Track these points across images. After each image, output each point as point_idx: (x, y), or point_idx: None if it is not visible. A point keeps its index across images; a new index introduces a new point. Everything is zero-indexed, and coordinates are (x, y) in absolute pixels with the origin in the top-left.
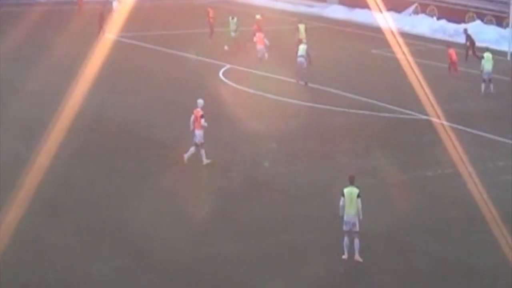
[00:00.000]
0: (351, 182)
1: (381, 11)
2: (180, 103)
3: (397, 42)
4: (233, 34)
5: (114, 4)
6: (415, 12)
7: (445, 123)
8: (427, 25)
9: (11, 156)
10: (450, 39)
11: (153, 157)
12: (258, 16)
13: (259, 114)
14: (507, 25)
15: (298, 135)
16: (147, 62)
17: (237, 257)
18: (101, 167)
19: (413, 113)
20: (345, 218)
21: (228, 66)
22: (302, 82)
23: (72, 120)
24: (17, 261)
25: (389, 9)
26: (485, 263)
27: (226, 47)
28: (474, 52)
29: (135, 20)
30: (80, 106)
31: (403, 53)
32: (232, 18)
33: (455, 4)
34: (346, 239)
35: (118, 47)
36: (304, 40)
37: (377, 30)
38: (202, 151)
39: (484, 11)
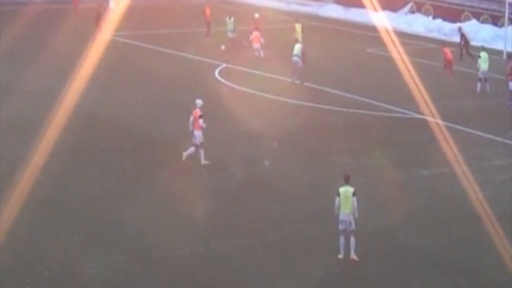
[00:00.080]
0: (347, 181)
1: (376, 10)
2: (175, 102)
3: (393, 41)
4: (230, 34)
5: (111, 3)
6: (411, 11)
7: (441, 122)
8: (422, 24)
9: (6, 155)
10: (446, 38)
11: (149, 156)
12: (256, 15)
13: (254, 114)
14: (502, 24)
15: (293, 134)
16: (142, 61)
17: (232, 255)
18: (96, 166)
19: (409, 112)
20: (340, 217)
21: (224, 65)
22: (297, 81)
23: (67, 119)
24: (12, 260)
25: (384, 8)
26: (480, 262)
27: (222, 47)
28: (467, 51)
29: (131, 19)
30: (75, 105)
31: (399, 52)
32: (229, 18)
33: (451, 3)
34: (341, 238)
35: (114, 46)
36: (300, 39)
37: (373, 29)
38: (201, 151)
39: (480, 10)
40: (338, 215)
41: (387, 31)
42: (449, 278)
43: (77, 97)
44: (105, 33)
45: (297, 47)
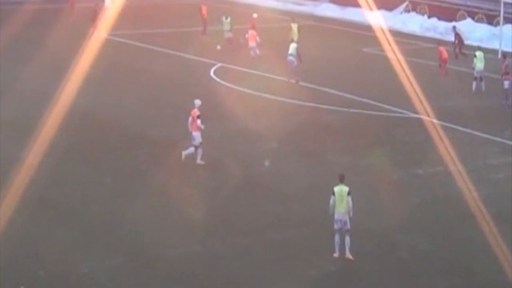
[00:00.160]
0: (341, 181)
1: (372, 10)
2: (171, 101)
3: (388, 40)
4: (226, 34)
5: (107, 2)
6: (406, 10)
7: (436, 121)
8: (418, 24)
9: (1, 155)
10: (441, 37)
11: (144, 156)
12: (255, 15)
13: (250, 113)
14: (497, 23)
15: (289, 134)
16: (138, 61)
17: (228, 255)
18: (91, 165)
19: (404, 111)
20: (335, 216)
21: (219, 64)
22: (293, 81)
23: (62, 118)
24: (7, 260)
25: (380, 7)
26: (475, 260)
27: (218, 47)
28: (460, 50)
29: (127, 18)
30: (71, 104)
31: (394, 51)
32: (226, 18)
33: (446, 2)
34: (337, 238)
35: (109, 45)
36: (295, 39)
37: (369, 28)
38: (199, 151)
39: (475, 9)
40: (333, 214)
41: (382, 30)
42: (444, 278)
43: (72, 97)
44: (101, 32)
45: (292, 47)
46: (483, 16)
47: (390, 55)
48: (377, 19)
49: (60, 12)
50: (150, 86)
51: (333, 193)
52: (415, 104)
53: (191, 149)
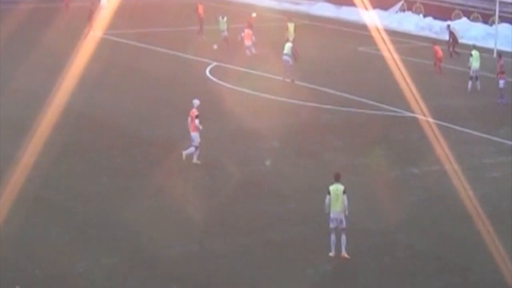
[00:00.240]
0: (337, 179)
1: (367, 9)
2: (166, 100)
3: (384, 39)
4: (223, 33)
5: (103, 1)
6: (402, 9)
7: (432, 120)
8: (413, 23)
9: None
10: (437, 36)
11: (140, 155)
12: (254, 15)
13: (246, 112)
14: (493, 23)
15: (285, 133)
16: (133, 60)
17: (225, 255)
18: (88, 165)
19: (400, 110)
20: (331, 215)
21: (215, 63)
22: (288, 80)
23: (58, 117)
24: (3, 259)
25: (375, 6)
26: (470, 259)
27: (215, 46)
28: (453, 49)
29: (123, 17)
30: (66, 104)
31: (390, 50)
32: (222, 18)
33: (442, 1)
34: (333, 237)
35: (105, 44)
36: (291, 39)
37: (364, 27)
38: (196, 151)
39: (471, 9)
40: (328, 214)
41: (378, 29)
42: (440, 277)
43: (68, 96)
44: (97, 31)
45: (287, 46)
46: (479, 15)
47: (386, 54)
48: (373, 18)
49: (55, 11)
50: (146, 86)
51: (329, 192)
52: (411, 103)
53: (192, 149)
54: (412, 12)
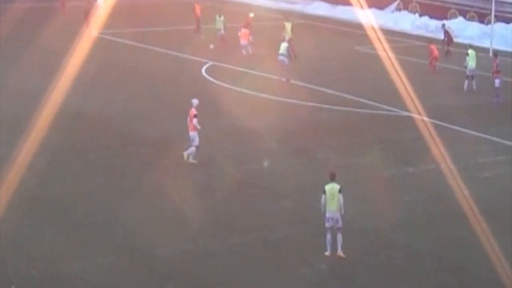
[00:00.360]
0: (332, 179)
1: (363, 8)
2: (162, 100)
3: (380, 39)
4: (219, 32)
5: (99, 0)
6: (398, 8)
7: (427, 119)
8: (409, 22)
9: None
10: (433, 35)
11: (136, 155)
12: (251, 14)
13: (241, 111)
14: (489, 22)
15: (281, 132)
16: (129, 59)
17: (221, 254)
18: (83, 164)
19: (396, 109)
20: (327, 214)
21: (210, 63)
22: (284, 79)
23: (54, 117)
24: None
25: (371, 6)
26: (466, 258)
27: (211, 46)
28: (447, 48)
29: (119, 16)
30: (62, 103)
31: (386, 50)
32: (220, 16)
33: (437, 0)
34: (328, 236)
35: (101, 44)
36: (287, 38)
37: (360, 27)
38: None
39: (466, 8)
40: (324, 213)
41: (374, 28)
42: (435, 276)
43: (63, 96)
44: (93, 30)
45: (283, 46)
46: (475, 15)
47: (382, 53)
48: (369, 17)
49: (51, 10)
50: (142, 85)
51: (324, 192)
52: (407, 102)
53: (192, 149)
54: (408, 11)
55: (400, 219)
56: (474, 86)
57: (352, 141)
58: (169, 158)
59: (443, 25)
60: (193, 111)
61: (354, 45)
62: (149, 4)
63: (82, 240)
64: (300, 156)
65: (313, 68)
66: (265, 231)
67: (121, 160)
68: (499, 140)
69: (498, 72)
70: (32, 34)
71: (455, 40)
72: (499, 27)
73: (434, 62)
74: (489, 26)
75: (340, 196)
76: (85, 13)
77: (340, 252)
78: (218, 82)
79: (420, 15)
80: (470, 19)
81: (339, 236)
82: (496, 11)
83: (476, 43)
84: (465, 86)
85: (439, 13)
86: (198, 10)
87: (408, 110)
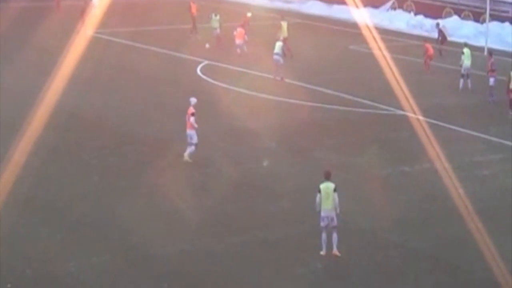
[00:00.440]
0: (327, 178)
1: (358, 7)
2: (157, 99)
3: (375, 38)
4: (214, 31)
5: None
6: (393, 7)
7: (422, 118)
8: (404, 21)
9: None
10: (428, 34)
11: (131, 154)
12: (249, 14)
13: (237, 111)
14: (484, 21)
15: (276, 131)
16: (125, 59)
17: (216, 253)
18: (79, 163)
19: (391, 108)
20: (322, 214)
21: (206, 62)
22: (278, 78)
23: (49, 117)
24: None
25: (366, 5)
26: (461, 258)
27: (207, 45)
28: (440, 47)
29: (114, 15)
30: (57, 103)
31: (381, 49)
32: (215, 15)
33: None
34: (324, 235)
35: (96, 43)
36: (281, 38)
37: (355, 26)
38: (189, 149)
39: (461, 7)
40: (319, 212)
41: (368, 27)
42: (430, 275)
43: (59, 95)
44: (88, 30)
45: (278, 45)
46: (470, 14)
47: (377, 52)
48: (364, 16)
49: (46, 10)
50: (137, 84)
51: (319, 191)
52: (402, 101)
53: (192, 148)
54: (403, 10)
55: (396, 218)
56: (469, 85)
57: (347, 140)
58: (165, 158)
59: (437, 24)
60: (191, 110)
61: (349, 44)
62: (144, 3)
63: (77, 240)
64: (296, 156)
65: (308, 67)
66: (262, 230)
67: (117, 160)
68: (494, 139)
69: (493, 71)
70: (27, 33)
71: (449, 39)
72: (494, 26)
73: (428, 60)
74: (484, 25)
75: (335, 195)
76: (81, 12)
77: (335, 251)
78: (213, 81)
79: (415, 14)
80: (465, 18)
81: (335, 235)
82: (491, 10)
83: (471, 42)
84: (461, 85)
85: (434, 12)
86: (194, 10)
87: (403, 109)
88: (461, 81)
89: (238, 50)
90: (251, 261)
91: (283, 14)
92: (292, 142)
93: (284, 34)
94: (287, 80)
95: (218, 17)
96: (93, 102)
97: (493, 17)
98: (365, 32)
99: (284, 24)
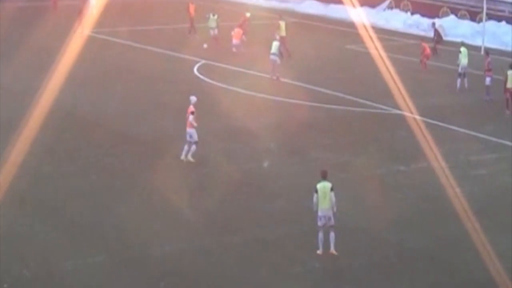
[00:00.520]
0: (324, 177)
1: (355, 7)
2: (154, 98)
3: (371, 37)
4: (212, 31)
5: None
6: (389, 7)
7: (419, 117)
8: (401, 20)
9: None
10: (424, 34)
11: (128, 154)
12: (248, 14)
13: (234, 110)
14: (480, 20)
15: (272, 130)
16: (122, 58)
17: (213, 252)
18: (75, 163)
19: (388, 108)
20: (319, 213)
21: (202, 61)
22: (274, 77)
23: (45, 116)
24: None
25: (363, 4)
26: (457, 257)
27: (205, 45)
28: (435, 46)
29: (112, 15)
30: (54, 102)
31: (377, 48)
32: (213, 15)
33: None
34: (320, 234)
35: (93, 43)
36: (277, 37)
37: (351, 25)
38: (185, 148)
39: (458, 6)
40: (316, 212)
41: (365, 27)
42: (427, 275)
43: (55, 95)
44: (85, 29)
45: (274, 45)
46: (466, 13)
47: (373, 52)
48: (360, 16)
49: (43, 10)
50: (133, 84)
51: (316, 191)
52: (398, 100)
53: (193, 148)
54: (400, 9)
55: (393, 218)
56: (466, 84)
57: (344, 139)
58: (162, 157)
59: (433, 24)
60: (191, 108)
61: (346, 43)
62: (142, 2)
63: (73, 239)
64: (293, 155)
65: (305, 66)
66: (258, 230)
67: (113, 159)
68: (490, 138)
69: (489, 70)
70: (23, 33)
71: (446, 38)
72: (491, 25)
73: (425, 60)
74: (481, 24)
75: (332, 194)
76: (79, 11)
77: (332, 250)
78: (210, 81)
79: (412, 13)
80: (462, 17)
81: (332, 234)
82: (487, 9)
83: (468, 41)
84: (458, 84)
85: (430, 11)
86: (192, 10)
87: (400, 109)
88: (458, 80)
89: (234, 49)
90: (248, 261)
91: (279, 13)
92: (288, 141)
93: (283, 34)
94: (284, 80)
95: (216, 17)
96: (90, 101)
97: (490, 17)
98: (362, 31)
99: (282, 24)
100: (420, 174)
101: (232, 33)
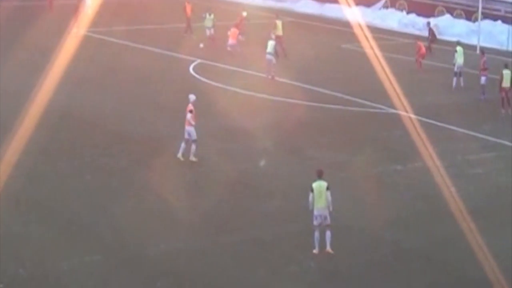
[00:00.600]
0: (319, 176)
1: (350, 6)
2: (149, 98)
3: (367, 36)
4: (208, 31)
5: None
6: (385, 6)
7: (414, 116)
8: (396, 20)
9: None
10: (420, 33)
11: (123, 152)
12: (244, 14)
13: (230, 109)
14: (476, 19)
15: (268, 130)
16: (117, 58)
17: (210, 252)
18: (70, 162)
19: (384, 107)
20: (315, 212)
21: (198, 61)
22: (269, 76)
23: (41, 116)
24: None
25: (358, 3)
26: (453, 256)
27: (201, 45)
28: (429, 45)
29: (108, 14)
30: (49, 102)
31: (373, 47)
32: (209, 15)
33: None
34: (316, 234)
35: (89, 42)
36: (273, 36)
37: (347, 24)
38: (183, 146)
39: (454, 5)
40: (312, 211)
41: (361, 26)
42: (423, 274)
43: (51, 94)
44: (81, 29)
45: (270, 45)
46: (462, 12)
47: (369, 51)
48: (356, 15)
49: (38, 9)
50: (129, 83)
51: (312, 190)
52: (394, 100)
53: (193, 147)
54: (395, 9)
55: (389, 217)
56: (462, 83)
57: (340, 139)
58: (158, 157)
59: (428, 23)
60: (190, 107)
61: (342, 43)
62: (138, 2)
63: (70, 239)
64: (289, 154)
65: (301, 66)
66: (254, 229)
67: (109, 159)
68: (486, 137)
69: (485, 69)
70: (19, 33)
71: (442, 37)
72: (486, 24)
73: (420, 59)
74: (476, 23)
75: (328, 193)
76: (75, 12)
77: (328, 249)
78: (206, 80)
79: (407, 13)
80: (457, 16)
81: (328, 233)
82: (483, 8)
83: (463, 40)
84: (454, 83)
85: (426, 10)
86: (188, 10)
87: (395, 108)
88: (454, 79)
89: (229, 48)
90: (244, 260)
91: (276, 12)
92: (284, 141)
93: (279, 33)
94: (279, 79)
95: (212, 16)
96: (86, 101)
97: (485, 16)
98: (358, 31)
99: (279, 23)
100: (417, 174)
101: (229, 32)
